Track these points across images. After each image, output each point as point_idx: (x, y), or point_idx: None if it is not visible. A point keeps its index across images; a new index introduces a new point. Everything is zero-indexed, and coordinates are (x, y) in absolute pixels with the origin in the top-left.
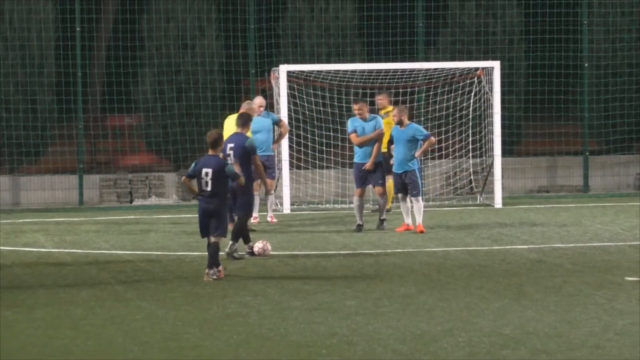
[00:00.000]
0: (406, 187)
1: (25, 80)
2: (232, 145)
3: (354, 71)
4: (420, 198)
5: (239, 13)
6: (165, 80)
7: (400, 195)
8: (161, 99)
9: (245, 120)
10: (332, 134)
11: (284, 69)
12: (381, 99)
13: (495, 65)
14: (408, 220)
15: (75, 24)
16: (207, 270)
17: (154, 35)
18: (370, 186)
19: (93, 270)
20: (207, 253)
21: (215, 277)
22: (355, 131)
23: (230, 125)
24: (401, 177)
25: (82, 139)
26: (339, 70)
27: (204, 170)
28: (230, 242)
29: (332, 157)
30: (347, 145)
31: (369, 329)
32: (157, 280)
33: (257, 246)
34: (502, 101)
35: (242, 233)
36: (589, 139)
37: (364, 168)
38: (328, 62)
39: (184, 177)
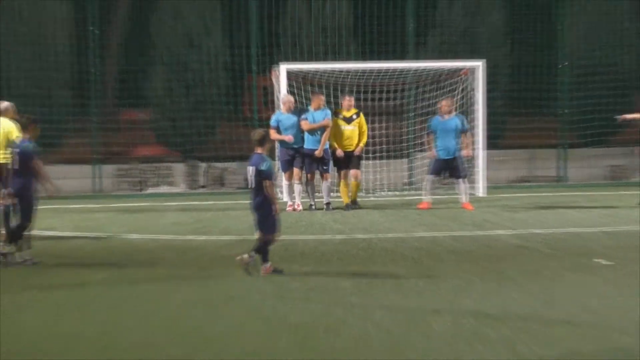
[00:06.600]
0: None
1: (44, 77)
2: (16, 150)
3: (348, 70)
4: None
5: (242, 14)
6: (174, 77)
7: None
8: (170, 95)
9: (26, 123)
10: None
11: (284, 67)
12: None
13: (480, 64)
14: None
15: (91, 25)
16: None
17: (163, 35)
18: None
19: (106, 254)
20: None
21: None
22: (306, 119)
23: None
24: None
25: (97, 131)
26: (334, 69)
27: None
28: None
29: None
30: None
31: (363, 309)
32: (166, 263)
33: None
34: (486, 98)
35: (18, 236)
36: (566, 134)
37: (314, 154)
38: (325, 60)
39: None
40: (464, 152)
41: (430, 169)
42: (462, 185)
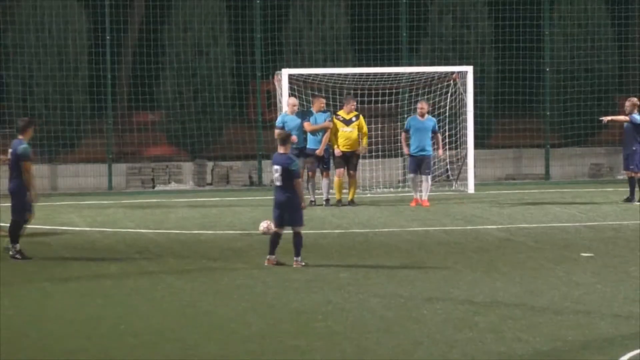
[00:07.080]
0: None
1: (63, 81)
2: (10, 150)
3: (346, 74)
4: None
5: (247, 24)
6: (184, 82)
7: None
8: (180, 98)
9: (24, 126)
10: None
11: (285, 72)
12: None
13: (469, 69)
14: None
15: (106, 33)
16: (12, 245)
17: (173, 43)
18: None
19: (120, 246)
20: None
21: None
22: (308, 121)
23: None
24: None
25: (111, 132)
26: (333, 74)
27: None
28: (11, 245)
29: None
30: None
31: (359, 297)
32: (176, 255)
33: (262, 225)
34: (475, 101)
35: (16, 233)
36: (549, 134)
37: (315, 153)
38: (324, 66)
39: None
40: (439, 152)
41: (409, 169)
42: (426, 183)
